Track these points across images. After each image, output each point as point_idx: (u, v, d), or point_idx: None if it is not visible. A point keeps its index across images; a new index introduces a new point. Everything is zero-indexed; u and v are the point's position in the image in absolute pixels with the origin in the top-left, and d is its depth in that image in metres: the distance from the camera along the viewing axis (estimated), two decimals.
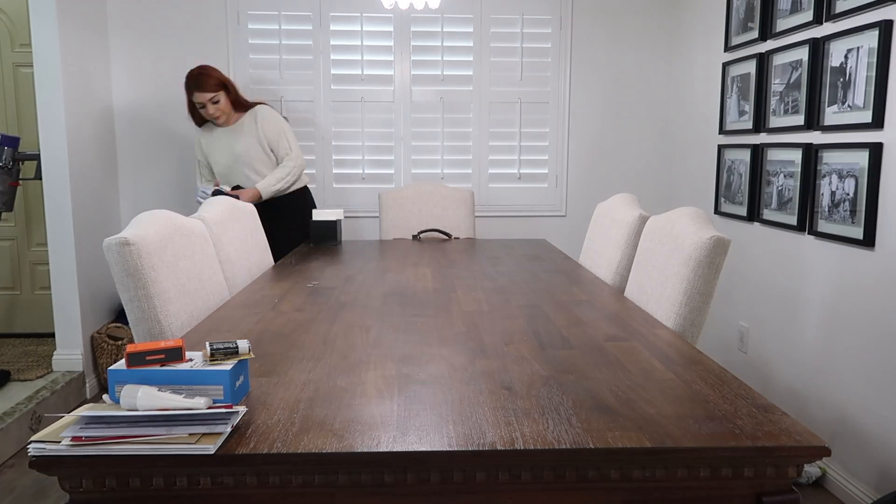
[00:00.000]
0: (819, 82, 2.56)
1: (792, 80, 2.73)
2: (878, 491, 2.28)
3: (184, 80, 3.23)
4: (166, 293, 1.72)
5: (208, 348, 1.15)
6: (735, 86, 3.23)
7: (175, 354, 1.13)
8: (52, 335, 3.53)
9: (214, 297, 2.03)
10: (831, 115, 2.48)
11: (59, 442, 0.99)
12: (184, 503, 1.03)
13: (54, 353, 3.47)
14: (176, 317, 1.75)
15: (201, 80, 3.17)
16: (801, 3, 2.67)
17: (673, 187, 4.04)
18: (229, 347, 1.17)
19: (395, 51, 3.94)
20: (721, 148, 3.39)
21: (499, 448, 1.02)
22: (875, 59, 2.24)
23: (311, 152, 3.96)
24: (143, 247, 1.67)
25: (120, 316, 3.77)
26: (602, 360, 1.44)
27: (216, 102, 3.20)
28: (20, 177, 3.23)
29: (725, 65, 3.33)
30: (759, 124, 3.01)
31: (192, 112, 3.30)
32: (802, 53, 2.65)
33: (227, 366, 1.13)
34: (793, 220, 2.72)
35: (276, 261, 2.96)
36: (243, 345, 1.18)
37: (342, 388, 1.27)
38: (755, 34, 3.01)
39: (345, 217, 4.00)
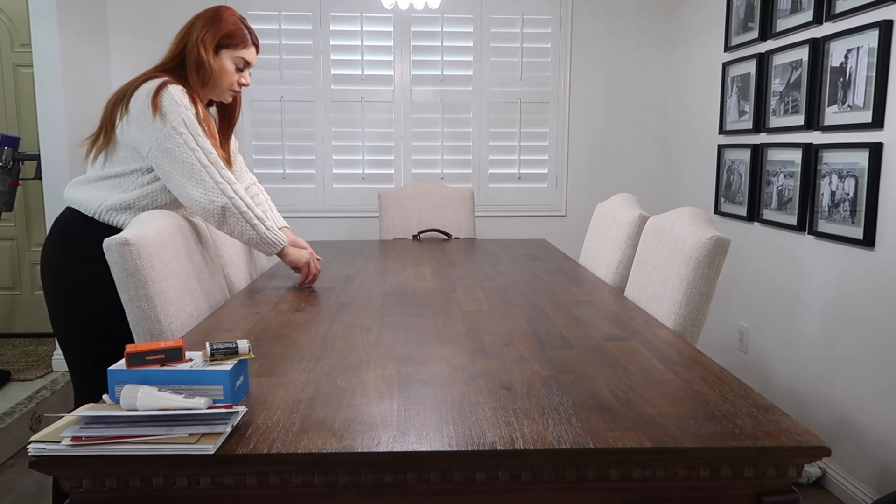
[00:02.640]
0: (819, 82, 2.56)
1: (792, 80, 2.73)
2: (878, 491, 2.28)
3: (218, 25, 1.93)
4: (166, 293, 1.72)
5: (208, 348, 1.15)
6: (735, 86, 3.23)
7: (175, 354, 1.13)
8: (52, 335, 3.53)
9: (214, 297, 2.03)
10: (831, 115, 2.48)
11: (59, 442, 0.99)
12: (184, 503, 1.03)
13: (54, 353, 3.47)
14: (176, 317, 1.75)
15: (254, 33, 2.03)
16: (801, 3, 2.67)
17: (673, 187, 4.04)
18: (229, 347, 1.17)
19: (395, 51, 3.94)
20: (721, 148, 3.39)
21: (499, 448, 1.02)
22: (875, 59, 2.24)
23: (311, 152, 3.97)
24: (143, 247, 1.66)
25: None
26: (602, 360, 1.44)
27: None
28: (20, 177, 3.23)
29: (725, 65, 3.33)
30: (759, 124, 3.01)
31: (218, 80, 1.96)
32: (802, 53, 2.65)
33: (227, 366, 1.13)
34: (793, 220, 2.72)
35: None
36: (243, 345, 1.18)
37: (342, 388, 1.27)
38: (755, 34, 3.01)
39: (345, 217, 4.01)
